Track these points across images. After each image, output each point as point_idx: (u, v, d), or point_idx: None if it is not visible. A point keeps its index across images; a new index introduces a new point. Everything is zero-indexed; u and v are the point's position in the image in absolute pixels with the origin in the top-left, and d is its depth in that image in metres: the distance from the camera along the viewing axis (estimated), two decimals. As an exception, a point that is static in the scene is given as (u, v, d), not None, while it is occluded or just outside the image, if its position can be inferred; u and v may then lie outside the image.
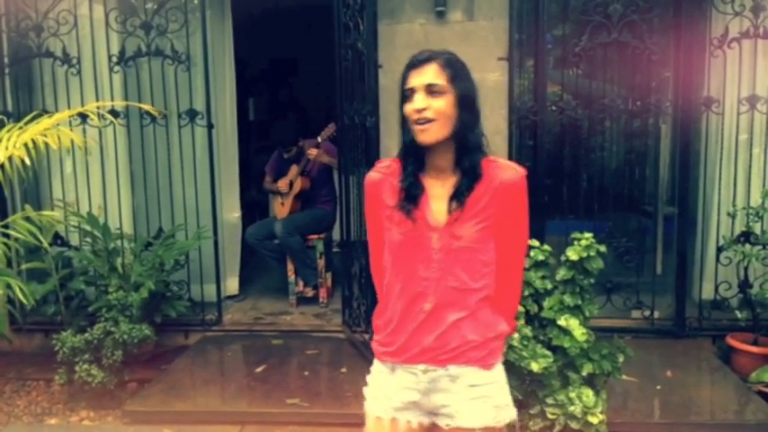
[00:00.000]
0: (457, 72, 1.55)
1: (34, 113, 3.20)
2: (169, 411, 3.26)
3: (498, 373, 1.63)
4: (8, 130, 2.63)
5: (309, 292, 4.83)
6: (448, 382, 1.59)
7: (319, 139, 4.72)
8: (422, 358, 1.60)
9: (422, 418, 1.64)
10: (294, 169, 4.86)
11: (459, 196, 1.55)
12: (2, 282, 2.99)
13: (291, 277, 4.80)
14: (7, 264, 3.72)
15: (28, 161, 2.63)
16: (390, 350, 1.63)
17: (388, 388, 1.65)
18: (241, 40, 4.70)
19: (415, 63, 1.56)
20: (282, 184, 4.87)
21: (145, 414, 3.29)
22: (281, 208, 4.91)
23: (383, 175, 1.65)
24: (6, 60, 4.10)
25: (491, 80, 3.86)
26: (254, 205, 6.11)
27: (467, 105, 1.56)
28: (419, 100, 1.52)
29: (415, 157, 1.58)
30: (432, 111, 1.51)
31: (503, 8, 3.81)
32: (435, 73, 1.53)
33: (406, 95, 1.55)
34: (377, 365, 1.69)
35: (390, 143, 3.92)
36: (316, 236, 4.82)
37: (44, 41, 4.06)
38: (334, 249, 5.14)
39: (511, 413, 1.64)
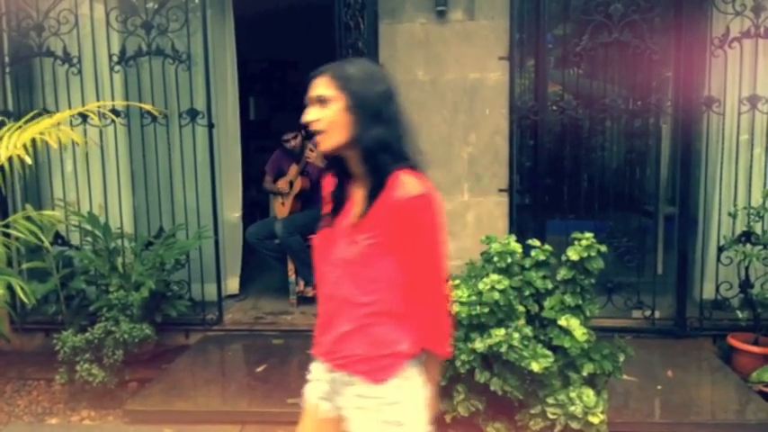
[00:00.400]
0: (349, 79, 1.55)
1: (34, 113, 3.20)
2: (170, 411, 3.26)
3: (393, 389, 1.57)
4: (8, 130, 2.62)
5: (310, 292, 4.82)
6: (342, 385, 1.62)
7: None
8: (326, 357, 1.66)
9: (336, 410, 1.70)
10: (294, 169, 4.85)
11: (362, 206, 1.56)
12: (2, 281, 2.99)
13: (292, 277, 4.79)
14: (8, 263, 3.73)
15: (29, 161, 2.63)
16: (314, 342, 1.72)
17: (315, 376, 1.73)
18: (242, 39, 4.70)
19: (311, 78, 1.58)
20: (282, 185, 4.87)
21: (145, 413, 3.29)
22: (281, 208, 4.91)
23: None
24: (7, 59, 4.10)
25: (492, 80, 3.86)
26: (255, 205, 6.12)
27: (361, 111, 1.53)
28: (310, 113, 1.56)
29: (339, 165, 1.62)
30: (321, 121, 1.54)
31: (503, 7, 3.81)
32: (325, 84, 1.55)
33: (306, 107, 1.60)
34: None
35: (391, 143, 3.93)
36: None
37: (45, 41, 4.06)
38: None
39: None
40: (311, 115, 1.56)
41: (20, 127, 2.58)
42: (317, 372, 1.72)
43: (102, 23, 4.05)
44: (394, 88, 1.61)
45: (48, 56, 4.07)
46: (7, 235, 3.34)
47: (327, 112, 1.54)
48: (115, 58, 4.08)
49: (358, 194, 1.59)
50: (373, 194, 1.53)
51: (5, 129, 2.58)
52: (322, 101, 1.54)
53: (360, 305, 1.59)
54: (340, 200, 1.63)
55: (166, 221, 4.24)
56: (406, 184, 1.51)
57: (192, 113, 4.16)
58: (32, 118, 3.05)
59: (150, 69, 4.14)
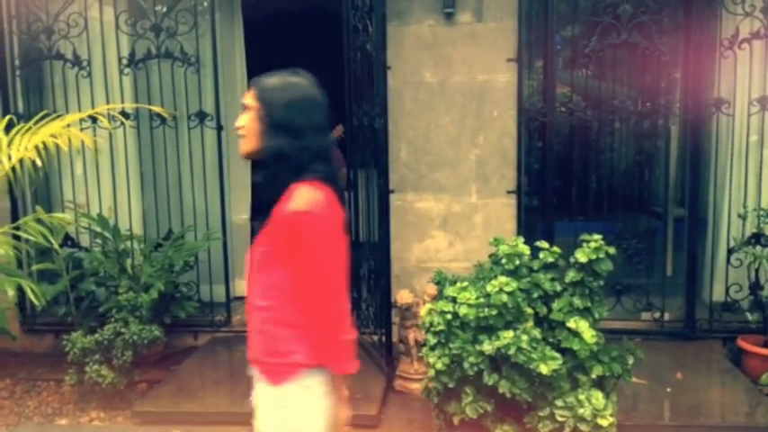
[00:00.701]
0: (264, 90, 1.62)
1: (42, 113, 3.21)
2: (179, 412, 3.27)
3: (287, 393, 1.62)
4: (18, 132, 2.64)
5: (318, 294, 4.82)
6: (255, 380, 1.70)
7: None
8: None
9: None
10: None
11: (257, 216, 1.63)
12: (13, 283, 3.01)
13: (300, 278, 4.79)
14: (18, 265, 3.76)
15: (39, 163, 2.65)
16: None
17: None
18: (251, 41, 4.71)
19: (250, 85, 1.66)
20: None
21: (154, 414, 3.30)
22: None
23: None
24: (17, 62, 4.13)
25: (500, 81, 3.86)
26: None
27: (269, 121, 1.59)
28: (239, 119, 1.64)
29: (253, 167, 1.69)
30: (242, 128, 1.63)
31: (512, 9, 3.81)
32: (250, 95, 1.63)
33: None
34: None
35: (399, 144, 3.94)
36: (324, 237, 4.81)
37: (55, 44, 4.09)
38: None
39: None
40: (238, 121, 1.64)
41: (30, 129, 2.60)
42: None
43: (112, 26, 4.07)
44: (311, 100, 1.62)
45: (57, 59, 4.10)
46: (18, 237, 3.36)
47: (246, 119, 1.63)
48: (124, 61, 4.11)
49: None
50: (268, 204, 1.57)
51: (15, 130, 2.60)
52: (245, 108, 1.63)
53: (259, 309, 1.65)
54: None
55: (175, 223, 4.26)
56: (296, 197, 1.54)
57: (201, 116, 4.18)
58: (41, 119, 3.08)
59: (159, 72, 4.16)
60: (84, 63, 4.12)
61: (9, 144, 2.45)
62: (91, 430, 3.34)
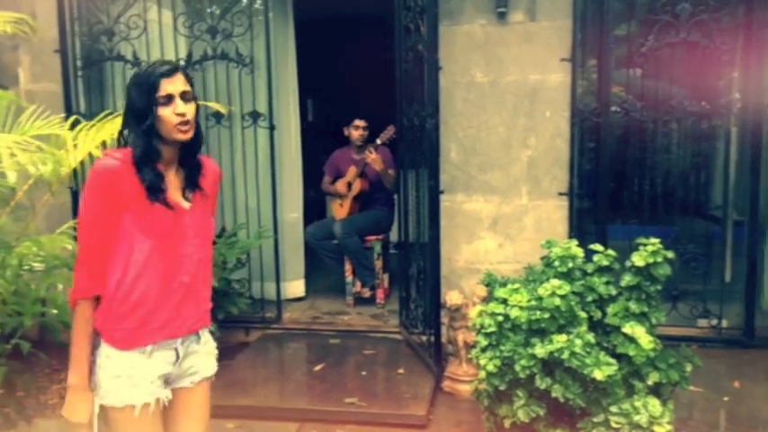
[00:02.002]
0: (192, 81, 1.76)
1: (106, 112, 3.31)
2: (232, 406, 3.34)
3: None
4: (81, 130, 2.72)
5: (366, 293, 4.86)
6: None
7: (378, 141, 4.75)
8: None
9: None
10: (353, 170, 4.90)
11: (193, 185, 1.81)
12: (67, 276, 3.10)
13: (349, 277, 4.84)
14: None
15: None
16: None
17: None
18: (302, 42, 4.78)
19: (165, 73, 1.70)
20: (341, 186, 4.92)
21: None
22: (339, 209, 4.96)
23: (121, 163, 1.72)
24: (79, 64, 4.26)
25: (553, 81, 3.81)
26: (311, 205, 6.19)
27: (197, 109, 1.76)
28: (180, 105, 1.69)
29: (157, 153, 1.72)
30: (189, 114, 1.70)
31: (566, 8, 3.76)
32: (184, 82, 1.72)
33: (159, 101, 1.68)
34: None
35: (449, 145, 3.93)
36: (374, 237, 4.85)
37: (115, 45, 4.21)
38: (392, 251, 5.17)
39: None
40: (182, 108, 1.69)
41: (93, 126, 2.68)
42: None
43: (170, 28, 4.18)
44: None
45: (118, 60, 4.21)
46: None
47: (192, 108, 1.72)
48: (182, 62, 4.20)
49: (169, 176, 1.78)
50: (199, 175, 1.83)
51: (79, 128, 2.69)
52: (186, 97, 1.70)
53: (205, 262, 1.89)
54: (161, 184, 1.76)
55: (228, 221, 4.34)
56: (207, 159, 1.91)
57: (255, 116, 4.26)
58: (103, 118, 3.17)
59: (215, 73, 4.25)
60: (144, 64, 4.23)
61: (75, 141, 2.53)
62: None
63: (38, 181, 2.56)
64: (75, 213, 4.13)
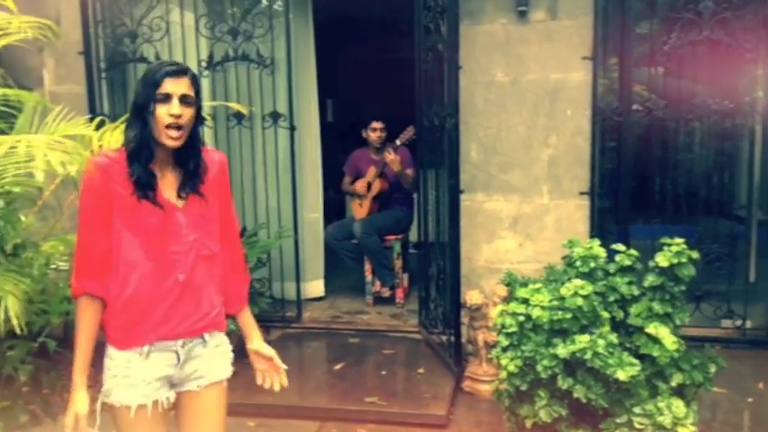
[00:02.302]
0: (198, 88, 1.75)
1: (125, 119, 3.35)
2: (252, 404, 3.35)
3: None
4: (107, 130, 2.75)
5: (386, 293, 4.87)
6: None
7: (398, 142, 4.75)
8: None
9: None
10: (372, 171, 4.91)
11: (191, 184, 1.78)
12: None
13: (368, 277, 4.85)
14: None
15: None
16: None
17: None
18: (321, 43, 4.79)
19: (171, 72, 1.69)
20: (360, 186, 4.93)
21: (229, 406, 3.38)
22: (359, 209, 4.97)
23: (111, 161, 1.73)
24: (103, 65, 4.31)
25: (574, 80, 3.79)
26: (331, 205, 6.21)
27: (199, 117, 1.77)
28: (176, 106, 1.67)
29: (149, 150, 1.71)
30: (184, 119, 1.69)
31: (587, 6, 3.73)
32: (188, 86, 1.70)
33: (158, 98, 1.67)
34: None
35: (469, 144, 3.92)
36: (393, 237, 4.86)
37: (138, 47, 4.25)
38: (411, 250, 5.17)
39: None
40: (177, 109, 1.67)
41: (117, 127, 2.71)
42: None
43: (192, 30, 4.21)
44: None
45: (141, 61, 4.25)
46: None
47: (189, 113, 1.71)
48: (204, 64, 4.24)
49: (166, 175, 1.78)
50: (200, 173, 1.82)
51: (104, 129, 2.72)
52: (186, 101, 1.69)
53: (210, 258, 1.88)
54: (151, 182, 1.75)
55: (249, 221, 4.37)
56: (210, 150, 1.92)
57: (275, 116, 4.28)
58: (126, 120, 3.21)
59: (236, 74, 4.28)
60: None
61: (100, 141, 2.57)
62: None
63: (63, 181, 2.60)
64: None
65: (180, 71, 1.71)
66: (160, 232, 1.73)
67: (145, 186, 1.70)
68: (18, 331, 2.13)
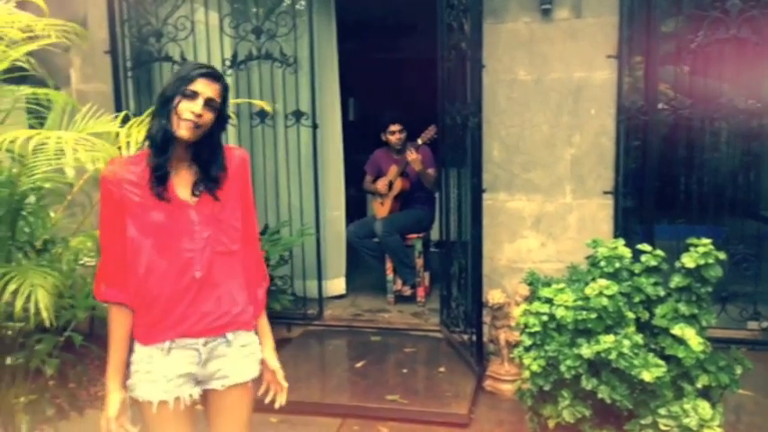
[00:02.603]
0: (226, 99, 1.78)
1: (152, 110, 3.39)
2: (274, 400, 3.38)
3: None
4: (132, 125, 2.78)
5: (407, 291, 4.87)
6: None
7: (419, 141, 4.75)
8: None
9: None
10: (394, 170, 4.91)
11: (207, 181, 1.79)
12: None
13: (390, 275, 4.86)
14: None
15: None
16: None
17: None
18: (343, 42, 4.81)
19: (208, 74, 1.74)
20: (381, 186, 4.93)
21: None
22: (380, 208, 4.98)
23: (121, 166, 1.78)
24: (129, 64, 4.36)
25: (598, 79, 3.76)
26: (352, 204, 6.22)
27: (219, 121, 1.78)
28: (200, 106, 1.70)
29: (170, 140, 1.72)
30: (203, 120, 1.71)
31: (612, 4, 3.70)
32: (217, 92, 1.74)
33: (185, 93, 1.70)
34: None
35: (491, 143, 3.91)
36: (414, 235, 4.86)
37: (163, 46, 4.30)
38: (432, 249, 5.17)
39: None
40: (199, 108, 1.70)
41: (143, 122, 2.74)
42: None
43: (216, 29, 4.25)
44: None
45: (166, 60, 4.30)
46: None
47: (210, 117, 1.73)
48: (228, 63, 4.28)
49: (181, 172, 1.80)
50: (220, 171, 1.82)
51: (130, 124, 2.75)
52: (212, 105, 1.73)
53: (230, 254, 1.89)
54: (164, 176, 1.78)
55: (271, 218, 4.40)
56: (231, 147, 1.92)
57: (298, 115, 4.31)
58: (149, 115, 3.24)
59: (260, 73, 4.31)
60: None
61: (127, 138, 2.60)
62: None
63: (92, 177, 2.63)
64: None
65: (215, 76, 1.74)
66: (170, 230, 1.74)
67: (158, 179, 1.73)
68: (48, 325, 2.16)
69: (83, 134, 2.12)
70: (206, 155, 1.77)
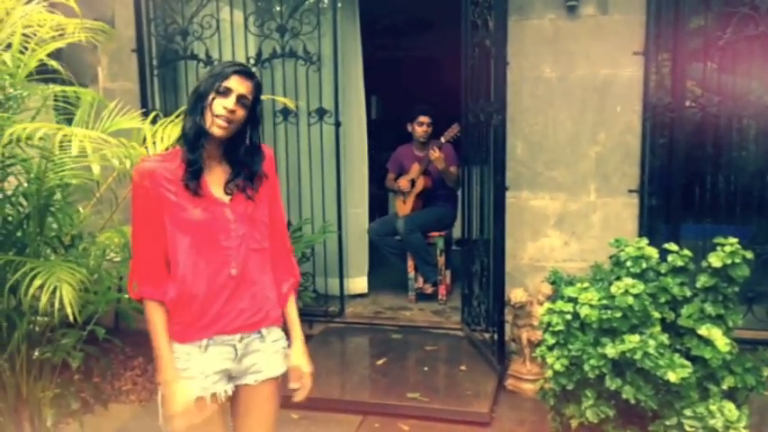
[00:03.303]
0: (259, 96, 1.80)
1: (181, 110, 3.43)
2: (296, 397, 3.40)
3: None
4: (161, 125, 2.82)
5: (429, 289, 4.87)
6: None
7: (443, 140, 4.73)
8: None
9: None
10: (416, 168, 4.91)
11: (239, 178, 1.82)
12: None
13: (411, 273, 4.86)
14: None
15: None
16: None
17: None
18: (367, 39, 4.81)
19: (242, 71, 1.76)
20: (404, 184, 4.93)
21: (274, 398, 3.44)
22: (402, 206, 4.98)
23: (157, 164, 1.78)
24: (155, 63, 4.41)
25: (624, 76, 3.72)
26: (374, 202, 6.23)
27: (251, 119, 1.79)
28: (233, 102, 1.72)
29: (204, 137, 1.75)
30: (236, 116, 1.73)
31: (639, 1, 3.66)
32: (250, 90, 1.76)
33: (219, 90, 1.72)
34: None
35: (515, 141, 3.88)
36: (436, 233, 4.85)
37: (189, 45, 4.33)
38: (454, 247, 5.15)
39: None
40: (233, 104, 1.72)
41: (172, 122, 2.77)
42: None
43: (241, 28, 4.28)
44: None
45: (191, 59, 4.34)
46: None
47: (242, 114, 1.74)
48: (252, 60, 4.30)
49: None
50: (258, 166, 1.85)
51: (159, 124, 2.78)
52: (244, 102, 1.74)
53: (261, 251, 1.92)
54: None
55: (294, 216, 4.42)
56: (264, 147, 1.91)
57: (321, 112, 4.32)
58: (178, 116, 3.28)
59: (283, 70, 4.33)
60: (216, 63, 4.35)
61: (153, 136, 2.63)
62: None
63: (119, 174, 2.67)
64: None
65: (249, 74, 1.76)
66: (208, 227, 1.76)
67: (192, 174, 1.74)
68: (72, 320, 2.19)
69: (102, 134, 2.15)
70: (238, 153, 1.79)
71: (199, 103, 1.73)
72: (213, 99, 1.71)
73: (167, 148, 2.60)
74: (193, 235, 1.75)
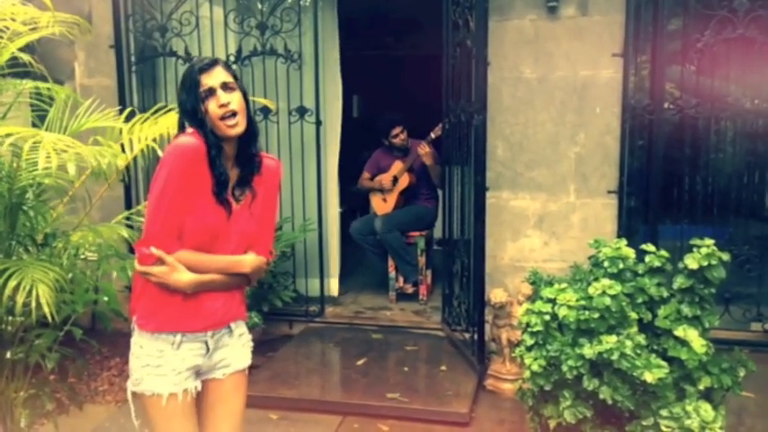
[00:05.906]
0: (234, 73, 1.76)
1: (158, 106, 3.37)
2: (275, 397, 3.38)
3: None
4: (137, 122, 2.77)
5: (409, 289, 4.86)
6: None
7: (432, 136, 4.70)
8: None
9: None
10: (399, 165, 4.89)
11: (245, 184, 1.81)
12: (119, 265, 3.16)
13: (392, 273, 4.85)
14: (130, 250, 3.97)
15: (160, 153, 2.79)
16: None
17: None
18: (347, 38, 4.79)
19: (203, 67, 1.71)
20: (386, 179, 4.91)
21: (252, 399, 3.32)
22: (382, 204, 4.97)
23: (201, 145, 1.71)
24: (133, 59, 4.36)
25: (604, 77, 3.74)
26: (358, 200, 6.20)
27: (247, 101, 1.76)
28: (222, 95, 1.69)
29: (218, 147, 1.71)
30: (234, 104, 1.70)
31: (619, 2, 3.68)
32: (224, 73, 1.72)
33: (203, 96, 1.69)
34: None
35: (495, 141, 3.89)
36: (417, 233, 4.84)
37: (168, 41, 4.29)
38: (435, 247, 5.15)
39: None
40: (224, 97, 1.69)
41: (147, 119, 2.73)
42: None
43: (221, 25, 4.24)
44: None
45: (170, 55, 4.30)
46: (130, 226, 3.56)
47: (237, 96, 1.72)
48: (232, 58, 4.26)
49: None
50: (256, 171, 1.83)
51: (134, 121, 2.74)
52: (229, 87, 1.71)
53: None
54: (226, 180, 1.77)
55: (274, 215, 4.38)
56: (267, 155, 1.90)
57: (302, 111, 4.29)
58: (156, 111, 3.23)
59: (264, 68, 4.30)
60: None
61: (129, 133, 2.60)
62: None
63: (93, 173, 2.63)
64: (128, 206, 4.23)
65: (211, 63, 1.73)
66: (214, 230, 1.76)
67: (222, 187, 1.73)
68: (49, 319, 2.16)
69: (71, 138, 2.10)
70: (249, 152, 1.79)
71: (194, 119, 1.71)
72: (206, 108, 1.69)
73: (142, 150, 2.56)
74: (201, 233, 1.74)
